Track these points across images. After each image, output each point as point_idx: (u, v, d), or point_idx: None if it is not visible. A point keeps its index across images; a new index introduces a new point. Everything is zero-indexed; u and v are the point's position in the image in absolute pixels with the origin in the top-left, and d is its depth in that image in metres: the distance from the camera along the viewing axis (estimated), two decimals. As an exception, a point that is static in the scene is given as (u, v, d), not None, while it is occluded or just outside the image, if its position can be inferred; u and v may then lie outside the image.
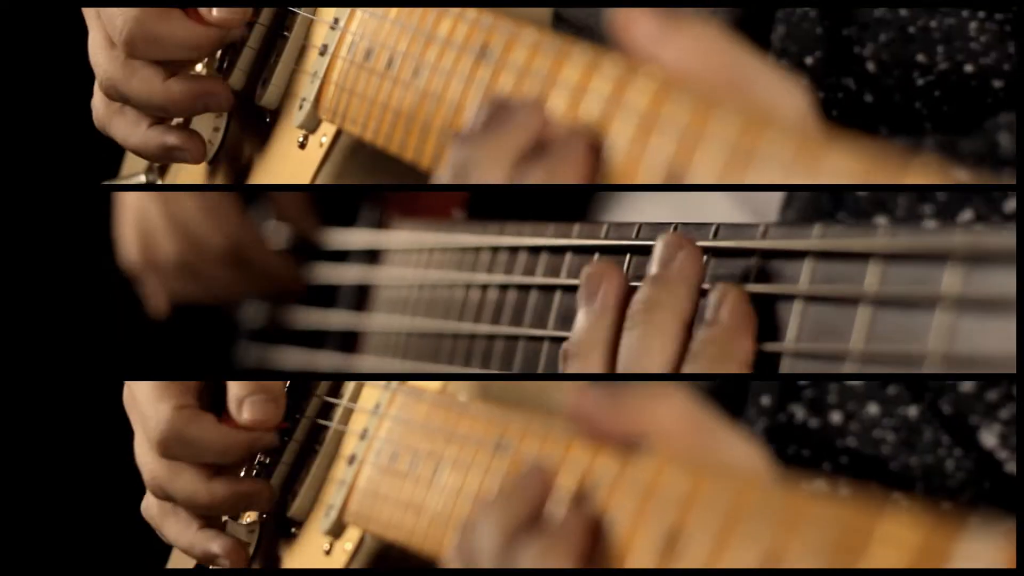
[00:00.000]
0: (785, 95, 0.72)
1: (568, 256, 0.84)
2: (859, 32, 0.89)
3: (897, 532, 0.55)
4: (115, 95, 1.03)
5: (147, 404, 1.00)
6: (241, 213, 1.08)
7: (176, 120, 1.08)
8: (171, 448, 0.99)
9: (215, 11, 1.00)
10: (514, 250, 0.87)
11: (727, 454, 0.69)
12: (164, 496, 1.03)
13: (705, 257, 0.74)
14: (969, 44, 0.87)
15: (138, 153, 1.08)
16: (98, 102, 1.06)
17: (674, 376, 0.68)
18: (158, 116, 1.05)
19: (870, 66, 0.89)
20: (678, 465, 0.66)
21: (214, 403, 1.02)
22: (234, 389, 1.00)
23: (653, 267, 0.74)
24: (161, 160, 1.09)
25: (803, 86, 0.73)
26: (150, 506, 1.06)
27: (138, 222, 1.13)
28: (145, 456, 1.03)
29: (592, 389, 0.70)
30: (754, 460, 0.69)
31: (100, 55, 1.02)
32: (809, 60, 0.91)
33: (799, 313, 0.67)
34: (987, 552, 0.52)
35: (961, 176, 0.64)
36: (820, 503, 0.59)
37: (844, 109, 0.90)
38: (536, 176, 0.74)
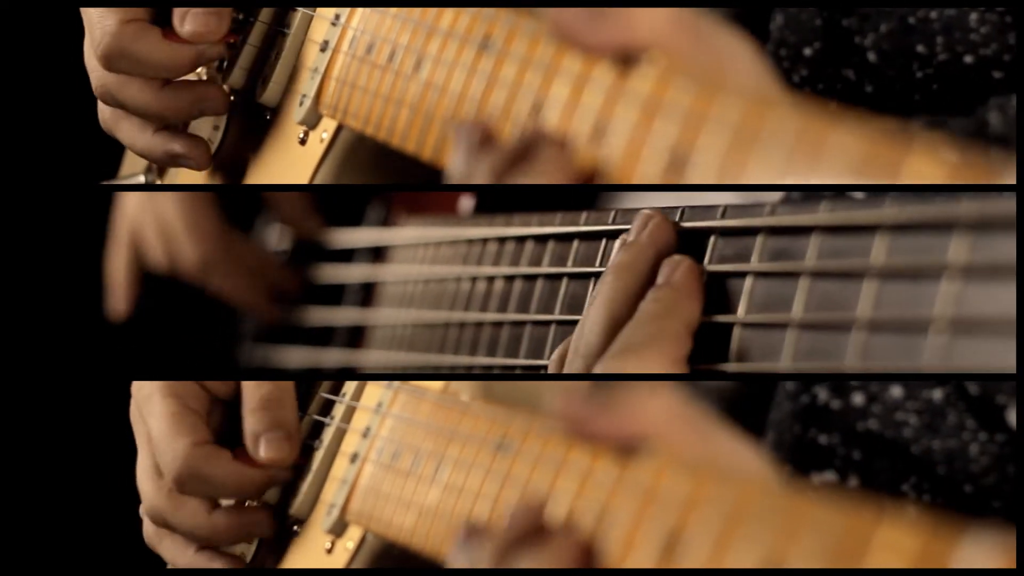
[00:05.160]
0: (739, 54, 0.73)
1: (575, 244, 0.84)
2: (859, 22, 0.89)
3: (897, 538, 0.55)
4: (110, 101, 1.03)
5: (163, 440, 0.99)
6: (218, 223, 1.08)
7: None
8: (187, 485, 0.99)
9: (187, 25, 1.00)
10: (520, 240, 0.86)
11: (721, 453, 0.69)
12: (163, 525, 1.02)
13: (712, 238, 0.74)
14: (969, 35, 0.87)
15: (143, 157, 1.09)
16: (104, 105, 1.06)
17: (676, 376, 0.68)
18: (156, 122, 1.05)
19: (871, 56, 0.89)
20: (677, 466, 0.66)
21: (227, 432, 1.01)
22: (250, 424, 0.99)
23: (628, 235, 0.76)
24: (166, 165, 1.10)
25: (754, 43, 0.74)
26: (146, 527, 1.05)
27: (129, 224, 1.13)
28: (146, 484, 1.02)
29: (580, 391, 0.70)
30: (748, 458, 0.70)
31: (93, 63, 1.03)
32: (808, 51, 0.91)
33: (805, 289, 0.67)
34: (986, 559, 0.52)
35: (958, 152, 0.64)
36: (821, 507, 0.59)
37: (844, 100, 0.90)
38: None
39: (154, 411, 1.00)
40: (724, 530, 0.62)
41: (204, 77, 1.08)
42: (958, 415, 0.80)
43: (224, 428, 1.02)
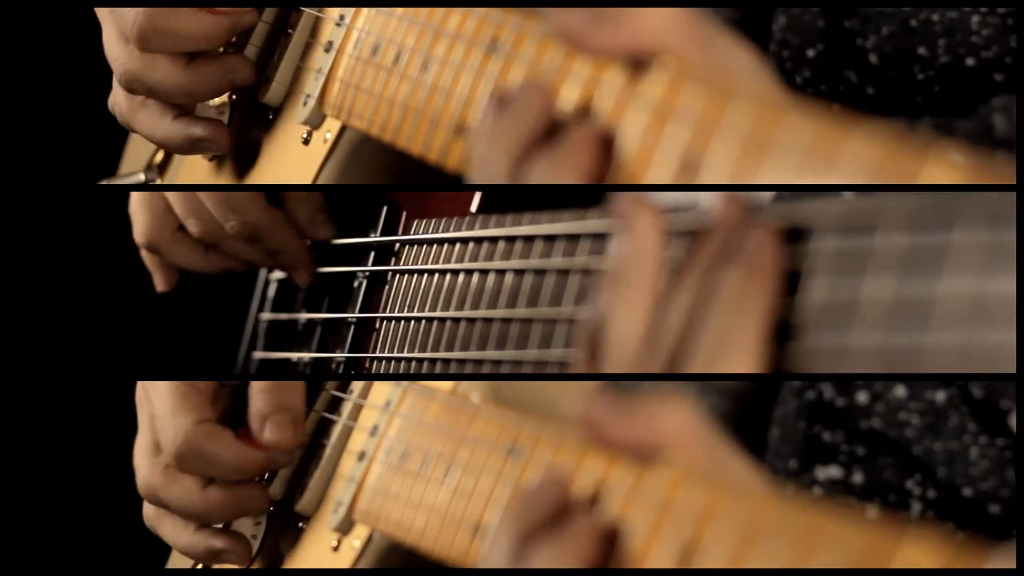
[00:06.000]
0: (742, 58, 0.73)
1: (580, 242, 0.84)
2: (861, 24, 0.89)
3: (917, 558, 0.55)
4: (139, 88, 1.03)
5: (166, 416, 1.00)
6: (257, 197, 1.08)
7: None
8: (187, 463, 0.99)
9: None
10: (529, 239, 0.86)
11: (728, 471, 0.69)
12: (157, 503, 1.03)
13: None
14: (971, 37, 0.88)
15: (164, 146, 1.09)
16: (120, 97, 1.06)
17: (681, 376, 0.68)
18: (184, 103, 1.05)
19: (872, 58, 0.89)
20: (694, 479, 0.66)
21: (232, 413, 1.02)
22: (257, 405, 0.99)
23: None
24: (187, 152, 1.09)
25: (755, 48, 0.74)
26: (146, 508, 1.06)
27: (152, 200, 1.13)
28: (142, 461, 1.02)
29: (602, 397, 0.70)
30: (754, 480, 0.70)
31: (117, 50, 1.02)
32: (811, 52, 0.91)
33: (814, 282, 0.66)
34: None
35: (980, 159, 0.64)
36: (839, 524, 0.59)
37: (846, 102, 0.91)
38: (544, 164, 0.75)
39: (159, 389, 1.01)
40: (740, 544, 0.62)
41: None
42: (960, 418, 0.80)
43: (230, 411, 1.02)
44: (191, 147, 1.06)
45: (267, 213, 1.07)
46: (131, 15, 1.00)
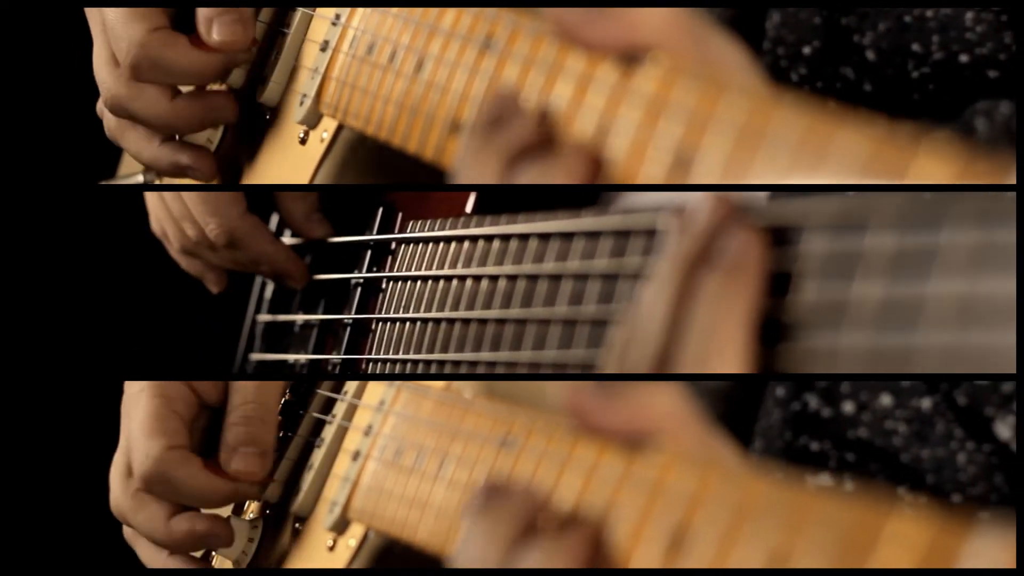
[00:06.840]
0: (733, 57, 0.74)
1: (575, 241, 0.84)
2: (858, 21, 0.90)
3: (905, 531, 0.55)
4: (122, 114, 1.04)
5: (138, 438, 1.00)
6: (236, 203, 1.08)
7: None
8: (154, 488, 1.00)
9: (215, 34, 1.00)
10: (524, 238, 0.86)
11: (717, 454, 0.70)
12: (126, 523, 1.03)
13: None
14: (965, 34, 0.88)
15: (149, 168, 1.09)
16: (109, 114, 1.06)
17: (677, 376, 0.69)
18: (165, 134, 1.05)
19: (869, 55, 0.90)
20: (684, 462, 0.67)
21: (211, 439, 1.02)
22: (229, 436, 1.00)
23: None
24: (173, 176, 1.10)
25: (747, 48, 0.74)
26: (126, 527, 1.06)
27: (153, 209, 1.13)
28: (115, 481, 1.03)
29: (589, 386, 0.71)
30: (741, 463, 0.70)
31: (104, 72, 1.02)
32: (807, 49, 0.91)
33: (804, 283, 0.66)
34: (995, 551, 0.52)
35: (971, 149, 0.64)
36: (828, 502, 0.59)
37: (843, 98, 0.91)
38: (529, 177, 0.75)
39: (138, 409, 1.01)
40: (731, 524, 0.62)
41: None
42: (946, 424, 0.80)
43: (209, 434, 1.03)
44: (176, 172, 1.07)
45: (244, 220, 1.07)
46: (125, 44, 1.00)
